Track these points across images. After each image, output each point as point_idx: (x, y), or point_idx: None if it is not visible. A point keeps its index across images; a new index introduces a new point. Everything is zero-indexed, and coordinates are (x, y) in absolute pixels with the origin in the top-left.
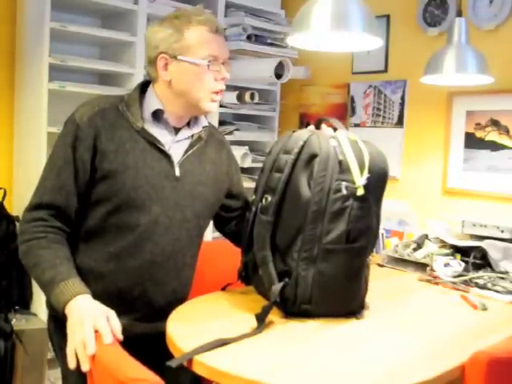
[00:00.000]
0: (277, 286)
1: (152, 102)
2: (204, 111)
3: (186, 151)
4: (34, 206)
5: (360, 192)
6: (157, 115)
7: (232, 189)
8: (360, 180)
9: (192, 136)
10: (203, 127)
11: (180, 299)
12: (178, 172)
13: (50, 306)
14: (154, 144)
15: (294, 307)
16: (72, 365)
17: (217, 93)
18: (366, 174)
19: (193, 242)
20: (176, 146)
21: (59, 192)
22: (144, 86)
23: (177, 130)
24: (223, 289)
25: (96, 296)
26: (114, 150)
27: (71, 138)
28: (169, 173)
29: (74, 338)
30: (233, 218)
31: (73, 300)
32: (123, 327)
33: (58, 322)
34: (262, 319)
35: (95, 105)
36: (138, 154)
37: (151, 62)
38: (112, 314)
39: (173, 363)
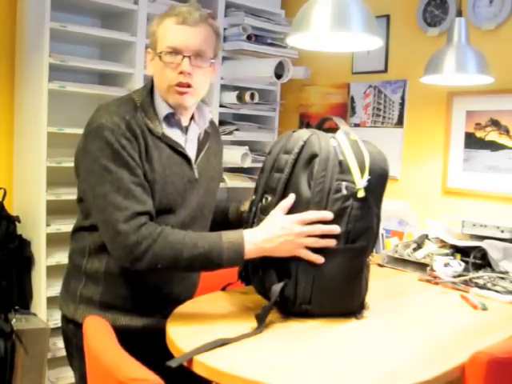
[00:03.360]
0: (277, 286)
1: (162, 105)
2: (173, 105)
3: (199, 150)
4: (129, 217)
5: (361, 194)
6: (168, 118)
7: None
8: (361, 182)
9: (199, 133)
10: (210, 122)
11: (195, 292)
12: (196, 174)
13: (66, 309)
14: (174, 149)
15: (294, 307)
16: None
17: (179, 85)
18: (366, 176)
19: None
20: (189, 146)
21: (146, 197)
22: (152, 86)
23: (186, 128)
24: (223, 289)
25: (128, 296)
26: (148, 159)
27: (121, 147)
28: (190, 176)
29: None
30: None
31: (246, 239)
32: (153, 325)
33: (76, 325)
34: (262, 319)
35: (123, 114)
36: (164, 161)
37: None
38: (298, 218)
39: (173, 363)
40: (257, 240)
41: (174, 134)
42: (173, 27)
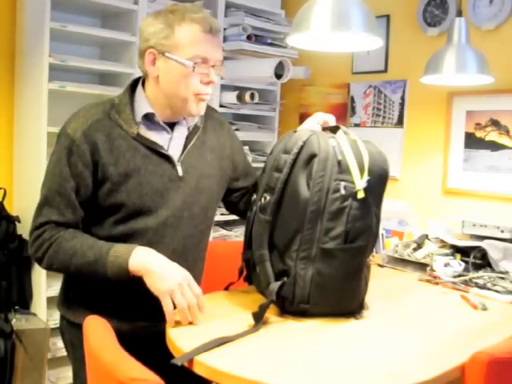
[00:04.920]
0: (274, 285)
1: (142, 105)
2: (191, 114)
3: (185, 146)
4: (42, 224)
5: (360, 195)
6: (148, 117)
7: (237, 171)
8: (360, 182)
9: (188, 128)
10: (200, 116)
11: None
12: (180, 171)
13: (60, 307)
14: (152, 148)
15: (291, 306)
16: (172, 323)
17: (203, 95)
18: (365, 177)
19: (203, 236)
20: (174, 143)
21: (66, 209)
22: (134, 86)
23: (172, 125)
24: (226, 288)
25: (115, 301)
26: (114, 161)
27: (66, 154)
28: (172, 174)
29: (175, 300)
30: (239, 199)
31: (134, 255)
32: (145, 328)
33: (69, 322)
34: (259, 318)
35: (88, 117)
36: (138, 161)
37: (141, 55)
38: (191, 280)
39: (178, 361)
40: (144, 261)
41: (153, 132)
42: (201, 36)
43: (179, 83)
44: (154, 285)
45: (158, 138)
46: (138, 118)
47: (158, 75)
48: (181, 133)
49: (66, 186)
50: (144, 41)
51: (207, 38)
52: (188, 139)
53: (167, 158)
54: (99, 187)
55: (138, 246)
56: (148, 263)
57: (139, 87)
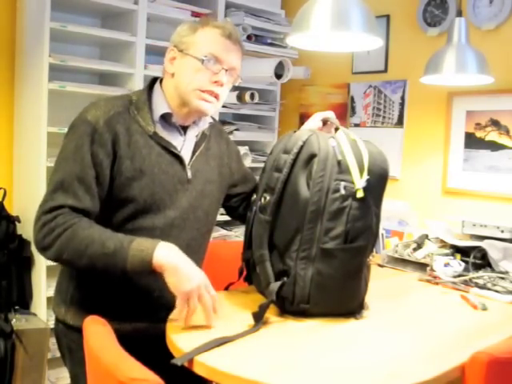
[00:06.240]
0: (274, 285)
1: (160, 104)
2: (193, 108)
3: (194, 151)
4: (54, 208)
5: (360, 194)
6: (165, 117)
7: (234, 178)
8: (359, 182)
9: (196, 135)
10: (209, 123)
11: None
12: (189, 174)
13: (57, 310)
14: (167, 148)
15: (292, 306)
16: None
17: (208, 93)
18: (365, 176)
19: (204, 240)
20: (186, 146)
21: (84, 196)
22: (152, 85)
23: (185, 128)
24: (226, 288)
25: (118, 301)
26: (131, 156)
27: (89, 142)
28: (182, 176)
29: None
30: (239, 204)
31: (158, 249)
32: (144, 330)
33: (66, 326)
34: (259, 318)
35: (110, 108)
36: (153, 159)
37: (165, 54)
38: (208, 282)
39: (178, 361)
40: (170, 256)
41: (168, 133)
42: (218, 37)
43: (187, 76)
44: (176, 283)
45: (172, 138)
46: (156, 117)
47: (174, 72)
48: (192, 137)
49: (88, 172)
50: (171, 42)
51: (224, 41)
52: (197, 145)
53: (179, 160)
54: (113, 180)
55: (161, 241)
56: (173, 259)
57: (157, 87)
